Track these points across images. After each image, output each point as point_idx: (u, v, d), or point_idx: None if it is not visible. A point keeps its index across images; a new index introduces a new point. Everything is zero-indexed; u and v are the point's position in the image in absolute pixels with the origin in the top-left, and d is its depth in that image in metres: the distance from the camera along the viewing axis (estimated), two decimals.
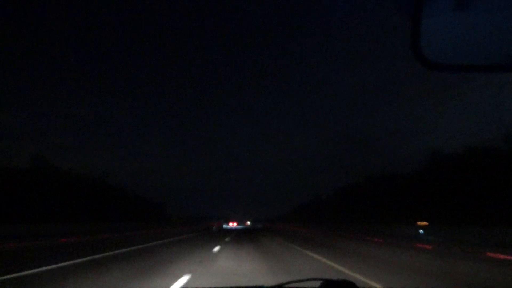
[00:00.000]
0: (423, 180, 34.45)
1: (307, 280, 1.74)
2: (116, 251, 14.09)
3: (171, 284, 6.95)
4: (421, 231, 23.77)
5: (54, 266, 9.58)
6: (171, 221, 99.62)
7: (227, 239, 24.51)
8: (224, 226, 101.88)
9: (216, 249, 15.62)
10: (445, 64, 1.07)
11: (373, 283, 6.95)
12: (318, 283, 1.54)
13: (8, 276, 7.83)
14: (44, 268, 9.07)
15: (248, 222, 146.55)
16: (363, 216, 43.59)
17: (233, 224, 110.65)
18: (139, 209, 65.54)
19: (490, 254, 12.90)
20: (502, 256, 12.15)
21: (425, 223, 25.19)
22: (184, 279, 7.57)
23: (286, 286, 1.60)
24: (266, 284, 1.62)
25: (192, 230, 47.20)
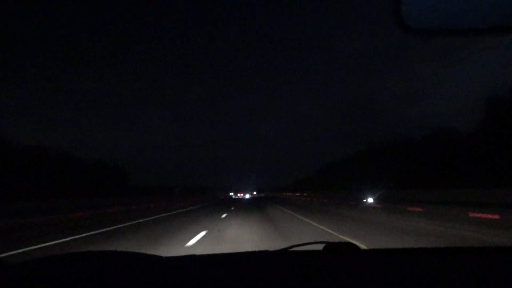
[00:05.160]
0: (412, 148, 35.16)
1: (310, 243, 1.73)
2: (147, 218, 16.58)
3: (222, 215, 16.73)
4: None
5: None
6: (174, 194, 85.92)
7: (237, 204, 34.93)
8: (233, 196, 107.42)
9: (233, 208, 26.41)
10: (427, 29, 1.04)
11: (360, 244, 7.27)
12: (321, 246, 1.55)
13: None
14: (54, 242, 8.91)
15: (254, 193, 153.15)
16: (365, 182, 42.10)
17: (240, 195, 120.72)
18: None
19: (472, 215, 13.30)
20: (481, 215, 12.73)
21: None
22: (225, 214, 18.01)
23: (290, 250, 1.60)
24: (270, 249, 1.65)
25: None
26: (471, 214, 13.37)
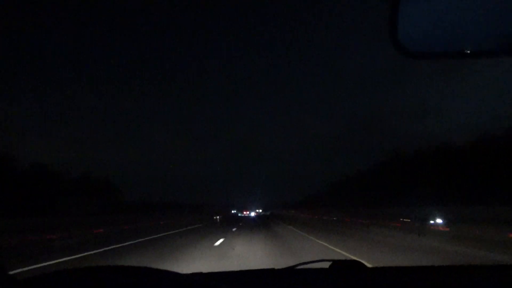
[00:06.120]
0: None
1: (317, 261, 1.73)
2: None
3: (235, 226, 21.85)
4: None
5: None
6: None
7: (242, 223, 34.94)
8: (239, 214, 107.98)
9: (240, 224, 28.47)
10: (424, 52, 1.05)
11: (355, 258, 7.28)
12: (327, 264, 1.55)
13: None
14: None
15: (259, 210, 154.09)
16: (377, 200, 39.59)
17: (246, 213, 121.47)
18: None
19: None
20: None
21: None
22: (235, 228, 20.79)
23: (296, 268, 1.60)
24: (276, 267, 1.64)
25: None
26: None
